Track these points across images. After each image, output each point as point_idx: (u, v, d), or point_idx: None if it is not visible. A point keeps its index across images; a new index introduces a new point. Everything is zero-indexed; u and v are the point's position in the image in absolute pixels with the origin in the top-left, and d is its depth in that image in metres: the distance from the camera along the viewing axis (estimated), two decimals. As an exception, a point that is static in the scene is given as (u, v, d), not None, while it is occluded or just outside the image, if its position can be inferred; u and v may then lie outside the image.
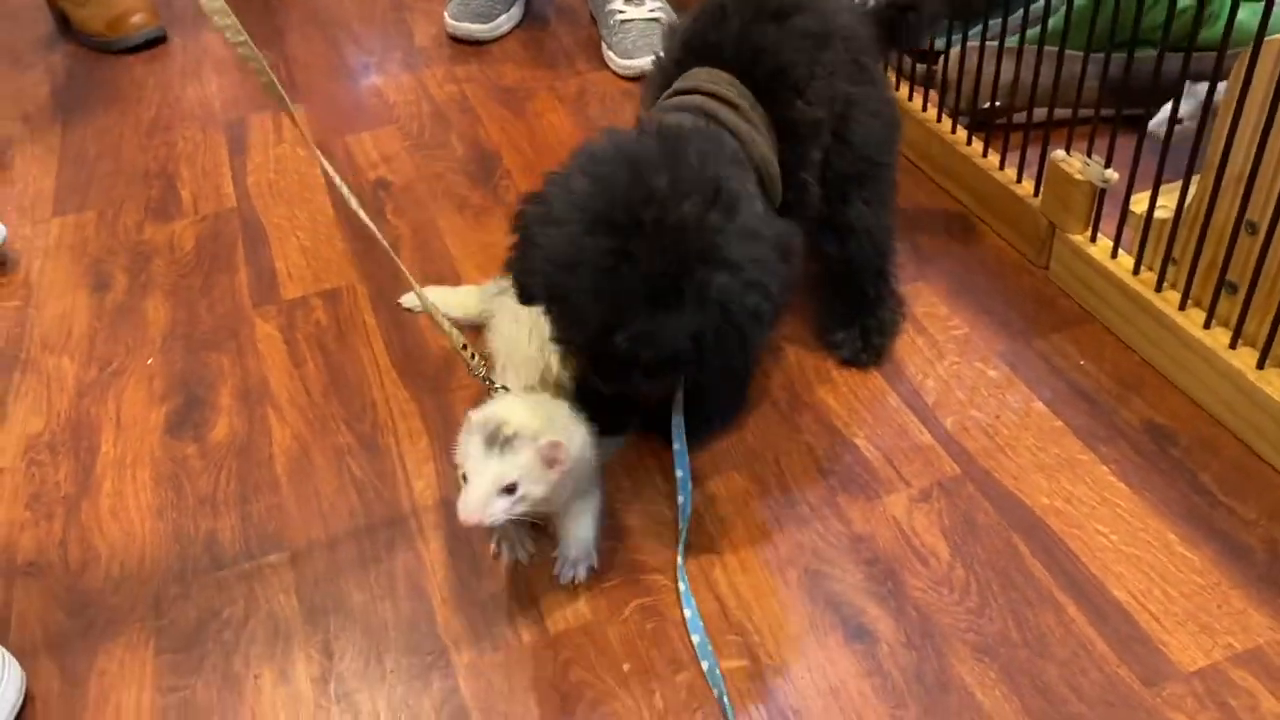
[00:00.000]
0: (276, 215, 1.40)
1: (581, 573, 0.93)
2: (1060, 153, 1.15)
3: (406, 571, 0.95)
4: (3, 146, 1.58)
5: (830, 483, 1.00)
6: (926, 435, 1.04)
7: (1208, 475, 0.99)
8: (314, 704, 0.86)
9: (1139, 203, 1.08)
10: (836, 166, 1.02)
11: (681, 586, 0.91)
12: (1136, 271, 1.10)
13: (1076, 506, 0.97)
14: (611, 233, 0.80)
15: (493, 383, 0.94)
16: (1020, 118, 1.28)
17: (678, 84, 0.99)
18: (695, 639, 0.87)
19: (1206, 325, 1.03)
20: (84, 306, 1.28)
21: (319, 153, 0.93)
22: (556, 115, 1.57)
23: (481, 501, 0.80)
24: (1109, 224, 1.13)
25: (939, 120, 1.34)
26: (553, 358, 0.97)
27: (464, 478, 0.81)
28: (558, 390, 0.96)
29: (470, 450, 0.82)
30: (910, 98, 1.38)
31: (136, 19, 1.79)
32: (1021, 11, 1.37)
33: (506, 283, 0.93)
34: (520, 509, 0.82)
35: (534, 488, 0.82)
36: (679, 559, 0.92)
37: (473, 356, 0.97)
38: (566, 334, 0.87)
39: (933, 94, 1.37)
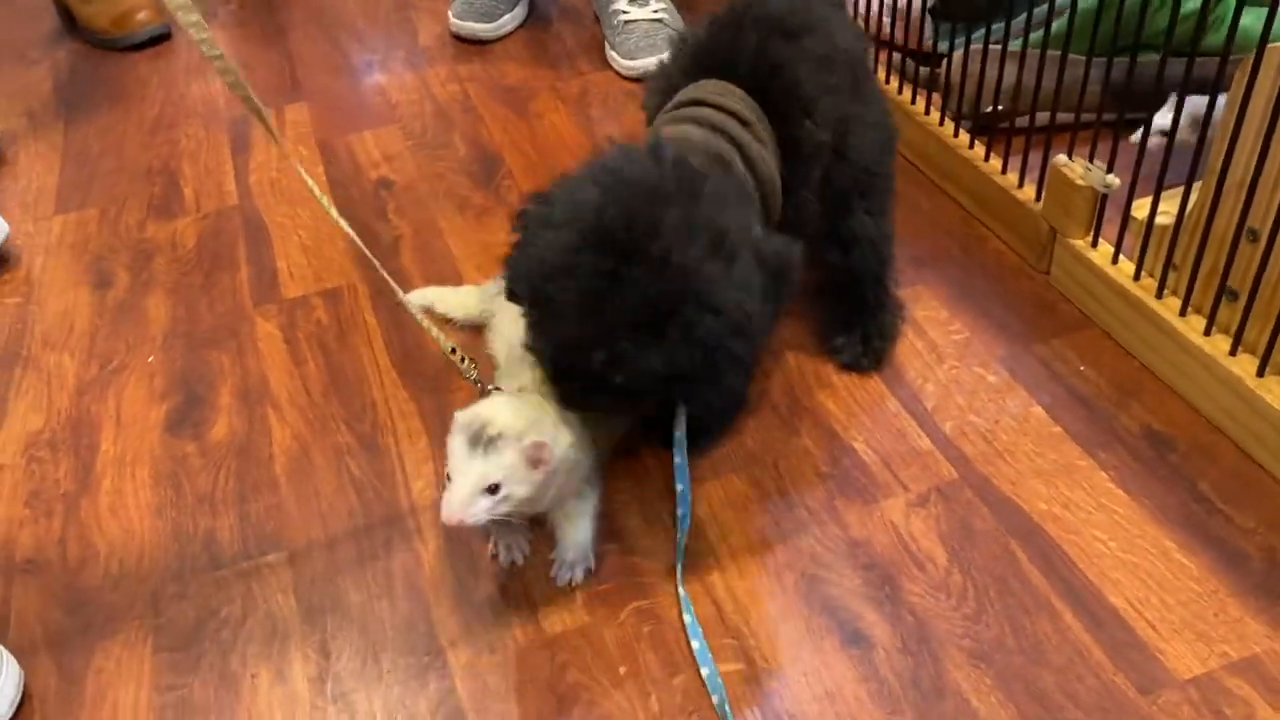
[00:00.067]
0: (278, 214, 1.40)
1: (579, 575, 0.93)
2: (1062, 158, 1.14)
3: (404, 571, 0.95)
4: (6, 143, 1.58)
5: (828, 487, 1.01)
6: (925, 440, 1.04)
7: (1206, 482, 0.99)
8: (310, 704, 0.86)
9: (1140, 208, 1.08)
10: (838, 180, 1.02)
11: (681, 593, 0.91)
12: (1137, 277, 1.09)
13: (1074, 512, 0.97)
14: (610, 252, 0.80)
15: (484, 384, 0.94)
16: (1022, 122, 1.28)
17: (686, 93, 0.99)
18: (695, 645, 0.87)
19: (1207, 332, 1.03)
20: (85, 304, 1.28)
21: (297, 163, 0.94)
22: (559, 116, 1.57)
23: (464, 501, 0.80)
24: (1110, 229, 1.13)
25: (941, 124, 1.34)
26: None
27: (448, 477, 0.82)
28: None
29: (454, 450, 0.82)
30: (913, 101, 1.38)
31: (141, 16, 1.80)
32: (1025, 15, 1.38)
33: (507, 283, 0.93)
34: (504, 509, 0.82)
35: (517, 488, 0.82)
36: (678, 571, 0.92)
37: (462, 360, 0.97)
38: (542, 341, 0.86)
39: (935, 97, 1.37)
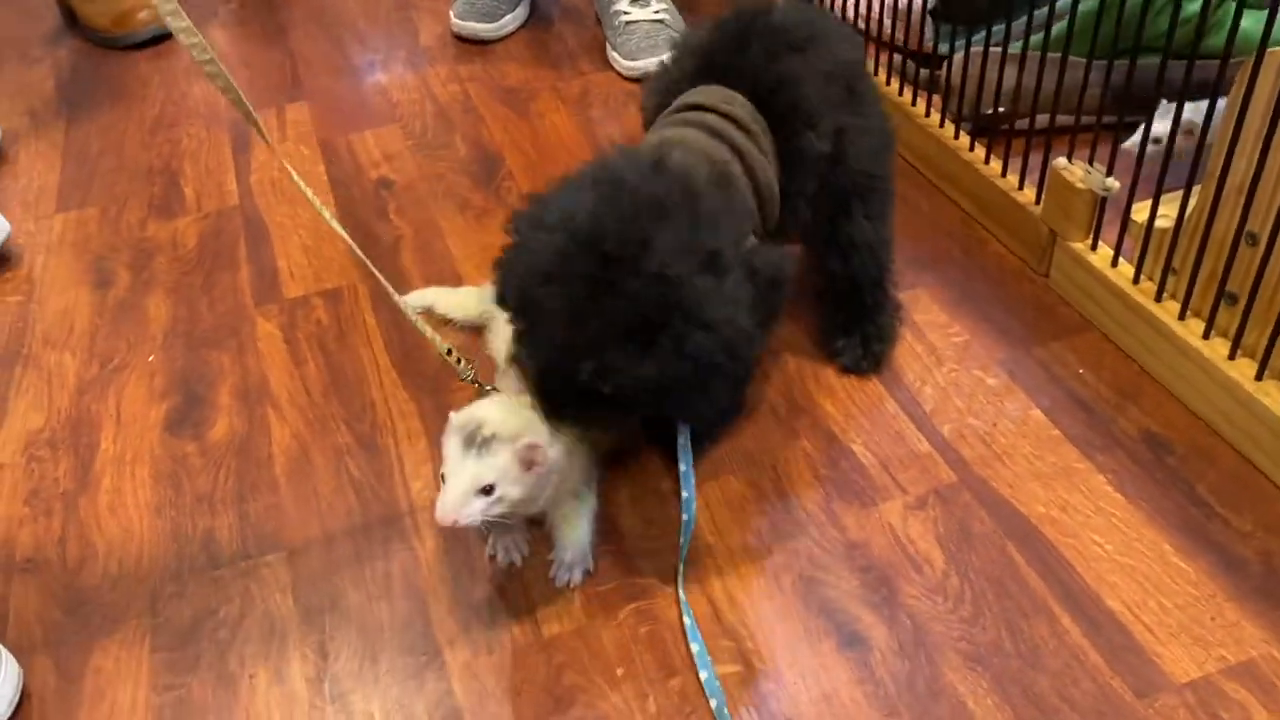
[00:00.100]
0: (279, 214, 1.40)
1: (577, 576, 0.93)
2: (1062, 160, 1.14)
3: (403, 572, 0.96)
4: (8, 141, 1.59)
5: (826, 489, 1.01)
6: (924, 443, 1.04)
7: (1204, 486, 0.99)
8: (308, 704, 0.86)
9: (1140, 212, 1.08)
10: (837, 185, 1.02)
11: (681, 596, 0.91)
12: (1136, 281, 1.10)
13: (1072, 515, 0.97)
14: (602, 262, 0.79)
15: (481, 384, 0.94)
16: (1023, 124, 1.28)
17: (687, 98, 0.99)
18: (694, 648, 0.87)
19: (1205, 336, 1.03)
20: (86, 303, 1.28)
21: (289, 165, 0.93)
22: (559, 116, 1.57)
23: (458, 502, 0.80)
24: (1110, 232, 1.13)
25: (941, 126, 1.34)
26: None
27: (442, 478, 0.82)
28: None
29: (449, 451, 0.82)
30: (913, 103, 1.38)
31: (143, 15, 1.80)
32: (1025, 18, 1.38)
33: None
34: (498, 510, 0.82)
35: (511, 489, 0.82)
36: (679, 575, 0.92)
37: (458, 361, 0.97)
38: (529, 347, 0.85)
39: (935, 99, 1.37)
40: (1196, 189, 1.01)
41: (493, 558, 0.95)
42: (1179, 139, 1.01)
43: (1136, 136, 1.15)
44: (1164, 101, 1.12)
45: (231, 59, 1.76)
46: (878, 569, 0.93)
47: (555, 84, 1.65)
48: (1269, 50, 0.90)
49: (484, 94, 1.63)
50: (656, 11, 1.67)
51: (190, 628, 0.92)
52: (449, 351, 0.97)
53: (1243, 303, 0.98)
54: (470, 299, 1.19)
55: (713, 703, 0.84)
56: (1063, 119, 1.15)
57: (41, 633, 0.93)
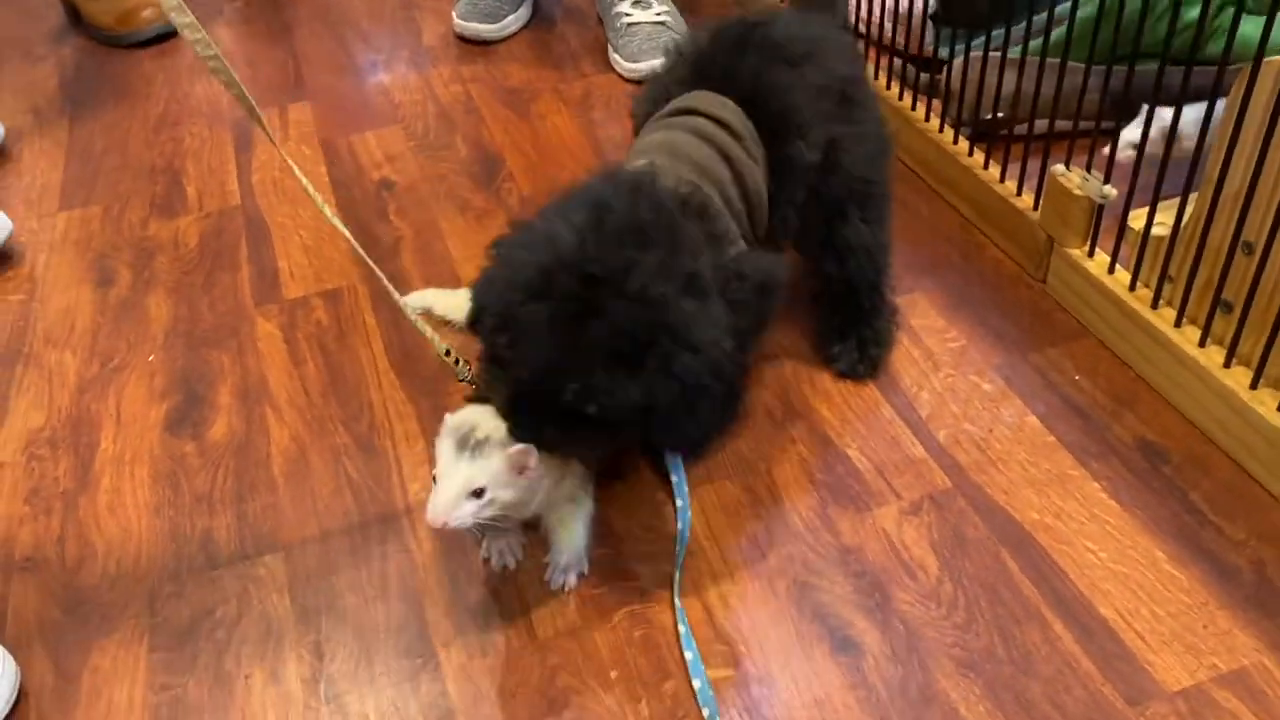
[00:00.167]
0: (280, 214, 1.41)
1: (572, 579, 0.94)
2: (1060, 167, 1.15)
3: (399, 573, 0.96)
4: (11, 139, 1.59)
5: (821, 494, 1.01)
6: (919, 448, 1.05)
7: (1198, 494, 0.99)
8: (304, 704, 0.87)
9: (1137, 219, 1.08)
10: (833, 190, 1.03)
11: (677, 604, 0.91)
12: (1133, 288, 1.10)
13: (1066, 522, 0.97)
14: (586, 282, 0.79)
15: (479, 386, 0.95)
16: (1022, 129, 1.28)
17: (680, 101, 1.00)
18: (688, 656, 0.88)
19: (1201, 343, 1.03)
20: (87, 301, 1.29)
21: (295, 165, 0.94)
22: (560, 118, 1.57)
23: (449, 504, 0.81)
24: (1107, 239, 1.13)
25: (940, 131, 1.34)
26: None
27: (435, 479, 0.82)
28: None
29: (442, 453, 0.83)
30: (913, 107, 1.38)
31: (147, 14, 1.80)
32: (1025, 23, 1.38)
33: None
34: (489, 513, 0.83)
35: (502, 492, 0.83)
36: (675, 583, 0.92)
37: (456, 362, 0.97)
38: (508, 368, 0.82)
39: (935, 104, 1.37)
40: (1193, 197, 1.01)
41: (487, 561, 0.96)
42: (1154, 145, 1.01)
43: (1120, 139, 1.15)
44: (1144, 106, 1.12)
45: (235, 57, 1.76)
46: (871, 574, 0.94)
47: (557, 85, 1.65)
48: (1265, 60, 0.90)
49: (486, 95, 1.64)
50: (658, 13, 1.67)
51: (188, 628, 0.93)
52: (447, 352, 0.98)
53: (1238, 311, 0.98)
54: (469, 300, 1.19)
55: (705, 711, 0.84)
56: (1061, 124, 1.15)
57: (40, 631, 0.93)
